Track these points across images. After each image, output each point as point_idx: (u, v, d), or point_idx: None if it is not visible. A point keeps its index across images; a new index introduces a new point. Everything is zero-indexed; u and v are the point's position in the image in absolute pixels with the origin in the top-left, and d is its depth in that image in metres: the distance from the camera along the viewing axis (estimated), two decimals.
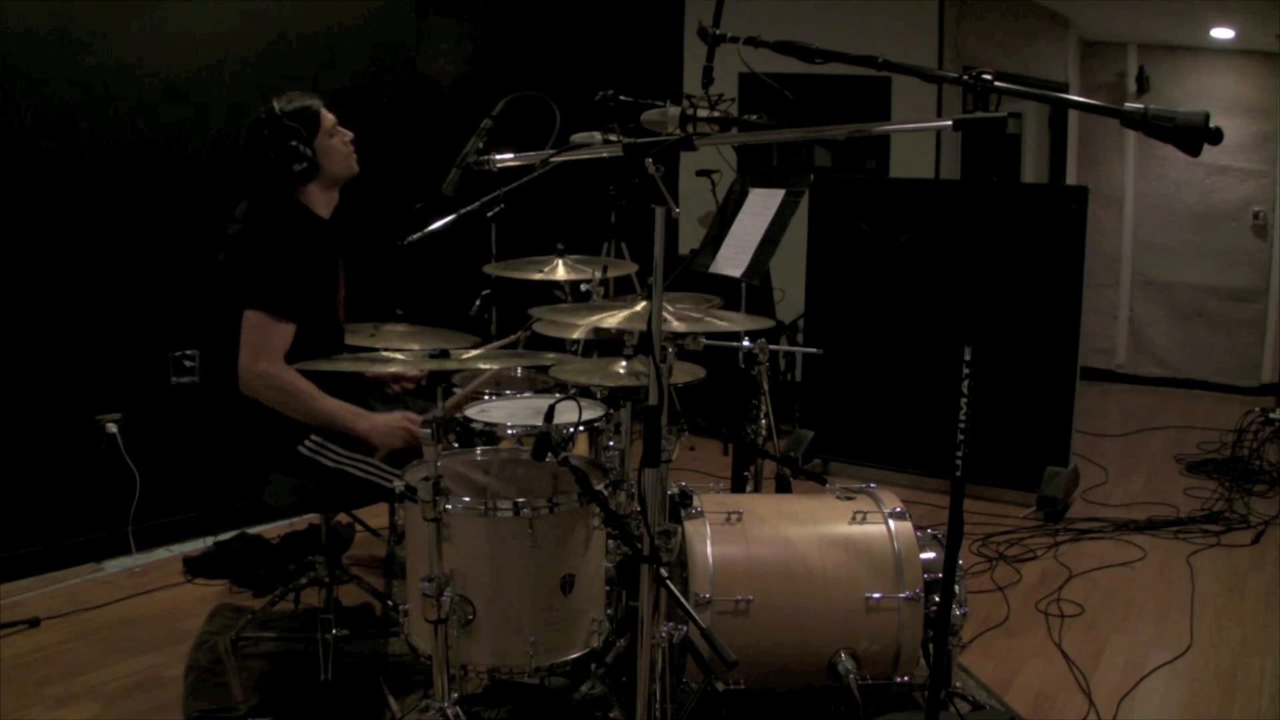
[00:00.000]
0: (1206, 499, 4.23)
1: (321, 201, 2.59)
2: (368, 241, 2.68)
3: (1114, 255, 6.81)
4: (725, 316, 2.40)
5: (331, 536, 2.86)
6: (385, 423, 2.47)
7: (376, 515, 3.52)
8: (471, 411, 2.56)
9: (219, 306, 2.50)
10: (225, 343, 2.48)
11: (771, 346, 3.00)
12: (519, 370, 3.05)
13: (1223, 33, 6.02)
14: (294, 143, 2.46)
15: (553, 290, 3.17)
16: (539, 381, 3.02)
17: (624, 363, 2.59)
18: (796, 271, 4.71)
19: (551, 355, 2.46)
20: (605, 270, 2.86)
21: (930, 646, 2.31)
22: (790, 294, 5.16)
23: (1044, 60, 6.45)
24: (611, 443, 2.59)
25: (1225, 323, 6.54)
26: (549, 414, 1.95)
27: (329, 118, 2.56)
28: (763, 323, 2.51)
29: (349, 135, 2.61)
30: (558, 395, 2.53)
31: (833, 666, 2.26)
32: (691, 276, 3.30)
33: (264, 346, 2.38)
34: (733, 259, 3.19)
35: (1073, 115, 6.73)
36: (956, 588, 2.36)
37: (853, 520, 2.39)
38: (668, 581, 1.76)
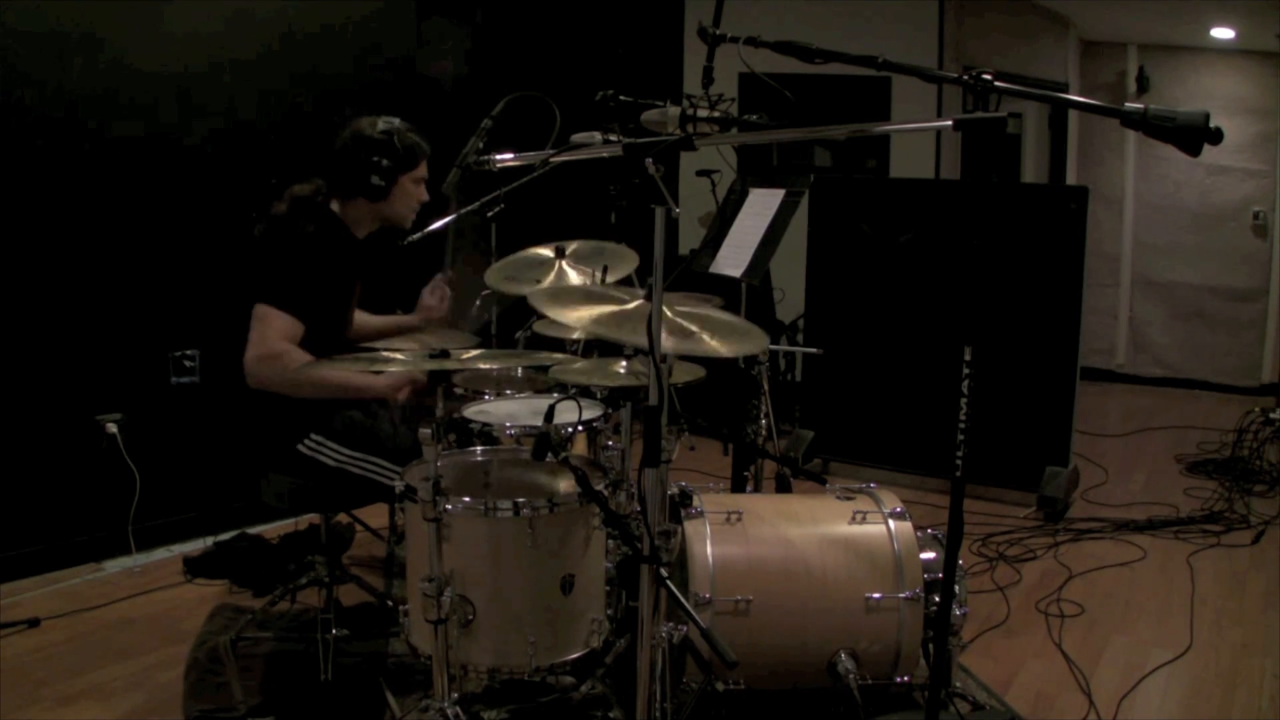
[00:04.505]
0: (1206, 499, 4.23)
1: (363, 224, 2.65)
2: (373, 247, 2.71)
3: (1114, 255, 6.81)
4: (720, 329, 2.18)
5: (331, 536, 2.86)
6: (395, 374, 2.50)
7: (376, 515, 3.52)
8: (471, 411, 2.56)
9: (239, 281, 2.53)
10: (226, 341, 2.49)
11: (771, 346, 2.99)
12: (519, 370, 3.05)
13: (1223, 33, 6.03)
14: (387, 163, 2.53)
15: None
16: (539, 381, 3.01)
17: (624, 363, 2.59)
18: (796, 271, 4.71)
19: (559, 356, 2.46)
20: (605, 270, 2.86)
21: (930, 646, 2.31)
22: (790, 294, 5.15)
23: (1044, 60, 6.45)
24: (611, 443, 2.59)
25: (1225, 323, 6.54)
26: (549, 414, 1.95)
27: (424, 170, 2.64)
28: (757, 342, 2.21)
29: (425, 196, 2.68)
30: (557, 395, 2.53)
31: (833, 666, 2.26)
32: (692, 276, 3.30)
33: (270, 336, 2.40)
34: (733, 259, 3.19)
35: (1073, 115, 6.74)
36: (956, 588, 2.36)
37: (853, 520, 2.39)
38: (668, 581, 1.76)
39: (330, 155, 2.57)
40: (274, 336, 2.39)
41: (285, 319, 2.41)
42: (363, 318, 2.92)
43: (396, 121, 2.59)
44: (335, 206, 2.60)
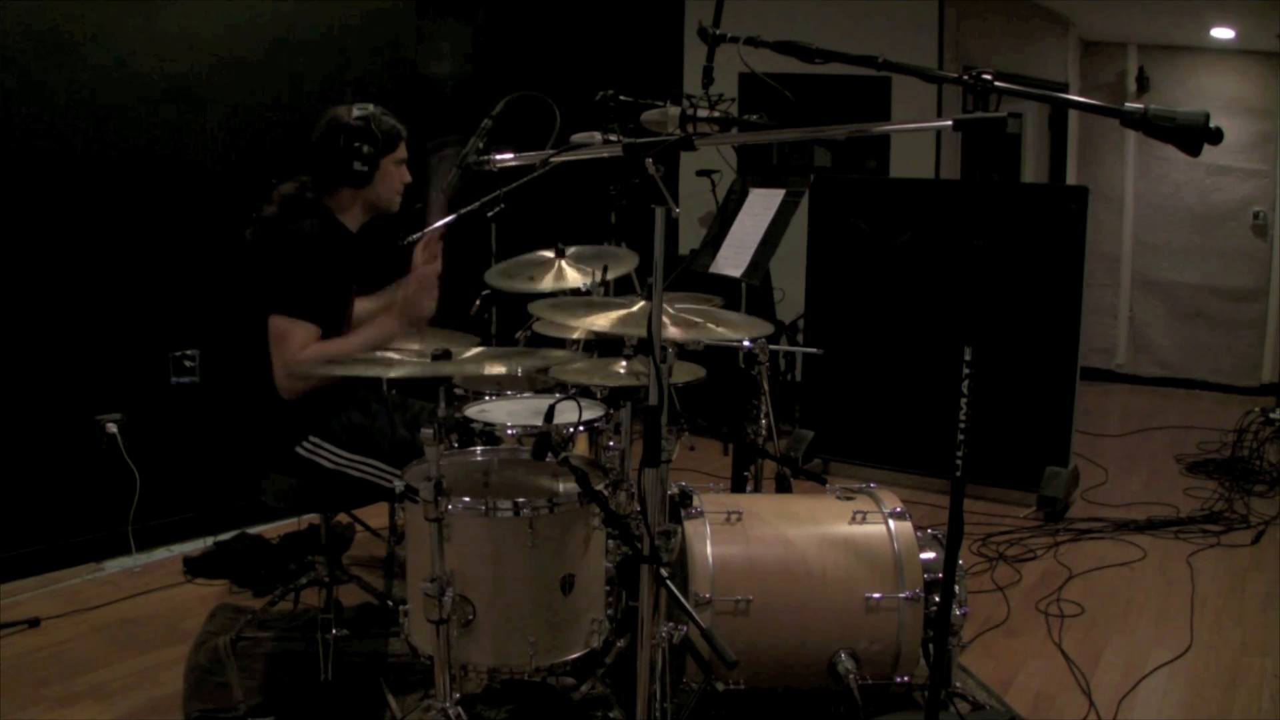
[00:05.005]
0: (1206, 499, 4.23)
1: (354, 216, 2.64)
2: (369, 241, 2.71)
3: (1114, 255, 6.81)
4: (724, 319, 2.38)
5: (331, 536, 2.86)
6: (402, 304, 2.49)
7: (376, 515, 3.52)
8: (471, 411, 2.56)
9: (237, 283, 2.54)
10: (226, 341, 2.49)
11: (771, 347, 2.99)
12: (519, 370, 3.04)
13: (1223, 33, 6.03)
14: (366, 148, 2.53)
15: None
16: (539, 381, 3.01)
17: (624, 363, 2.59)
18: (796, 271, 4.71)
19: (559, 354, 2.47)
20: (605, 270, 2.86)
21: (930, 646, 2.31)
22: (790, 294, 5.16)
23: (1044, 60, 6.45)
24: (611, 443, 2.59)
25: (1225, 323, 6.54)
26: (549, 414, 1.95)
27: (403, 151, 2.64)
28: (762, 327, 2.45)
29: (407, 178, 2.68)
30: (558, 395, 2.53)
31: (833, 666, 2.26)
32: (691, 276, 3.30)
33: (291, 344, 2.40)
34: (733, 259, 3.19)
35: (1073, 115, 6.74)
36: (956, 588, 2.36)
37: (853, 520, 2.39)
38: (668, 581, 1.76)
39: (310, 148, 2.57)
40: (298, 348, 2.39)
41: (304, 327, 2.41)
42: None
43: (371, 106, 2.59)
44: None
